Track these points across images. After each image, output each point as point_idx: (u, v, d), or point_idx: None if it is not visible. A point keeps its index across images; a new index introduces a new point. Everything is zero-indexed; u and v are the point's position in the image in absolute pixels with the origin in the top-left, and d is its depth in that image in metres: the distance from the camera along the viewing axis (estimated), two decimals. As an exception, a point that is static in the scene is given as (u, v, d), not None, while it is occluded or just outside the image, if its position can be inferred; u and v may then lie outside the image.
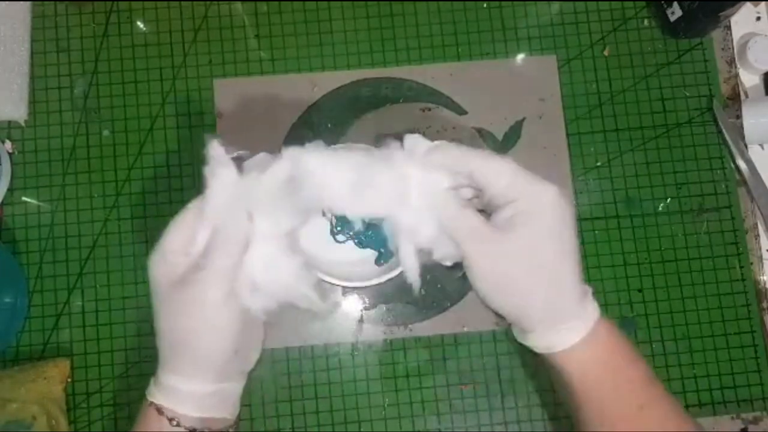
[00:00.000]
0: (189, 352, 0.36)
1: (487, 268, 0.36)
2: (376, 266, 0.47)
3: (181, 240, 0.37)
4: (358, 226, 0.41)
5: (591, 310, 0.37)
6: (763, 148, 0.56)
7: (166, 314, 0.36)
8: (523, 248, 0.35)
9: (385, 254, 0.47)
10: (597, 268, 0.54)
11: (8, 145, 0.55)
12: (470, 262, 0.36)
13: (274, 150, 0.37)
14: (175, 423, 0.36)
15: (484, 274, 0.36)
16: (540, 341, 0.37)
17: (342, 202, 0.37)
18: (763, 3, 0.58)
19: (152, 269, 0.36)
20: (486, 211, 0.38)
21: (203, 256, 0.36)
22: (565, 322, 0.36)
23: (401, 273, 0.39)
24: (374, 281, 0.45)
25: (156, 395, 0.37)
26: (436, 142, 0.37)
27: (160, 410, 0.36)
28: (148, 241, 0.54)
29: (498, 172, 0.37)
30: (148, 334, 0.53)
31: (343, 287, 0.52)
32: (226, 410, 0.38)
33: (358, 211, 0.37)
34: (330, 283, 0.46)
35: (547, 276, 0.36)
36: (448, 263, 0.38)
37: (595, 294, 0.38)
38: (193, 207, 0.38)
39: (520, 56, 0.57)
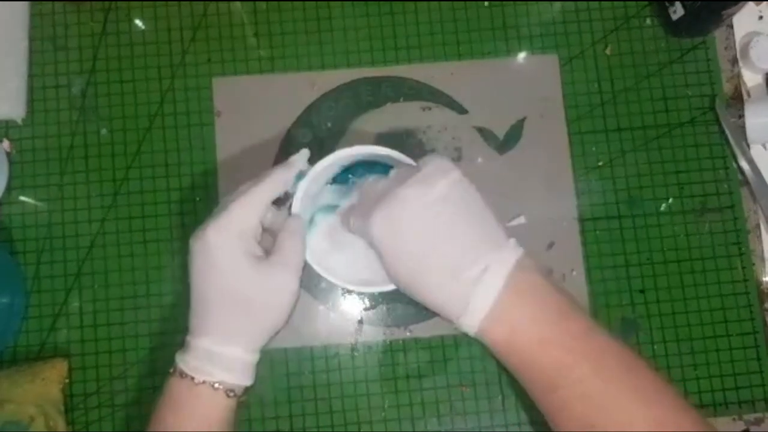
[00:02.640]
0: (249, 322, 0.40)
1: (390, 273, 0.40)
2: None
3: (254, 221, 0.41)
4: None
5: (488, 286, 0.37)
6: (765, 148, 0.56)
7: (234, 285, 0.40)
8: (389, 270, 0.39)
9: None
10: (599, 268, 0.54)
11: (6, 144, 0.54)
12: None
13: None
14: (218, 386, 0.39)
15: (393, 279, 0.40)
16: (459, 328, 0.38)
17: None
18: (765, 2, 0.58)
19: (224, 240, 0.40)
20: None
21: (279, 246, 0.42)
22: (464, 308, 0.37)
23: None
24: (382, 288, 0.44)
25: (192, 361, 0.40)
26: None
27: (194, 378, 0.39)
28: (146, 242, 0.53)
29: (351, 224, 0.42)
30: (146, 335, 0.52)
31: (347, 289, 0.52)
32: (251, 378, 0.42)
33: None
34: (337, 284, 0.45)
35: (417, 283, 0.38)
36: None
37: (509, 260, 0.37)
38: (257, 191, 0.42)
39: (522, 55, 0.57)
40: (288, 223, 0.43)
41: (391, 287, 0.42)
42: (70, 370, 0.52)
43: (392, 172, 0.42)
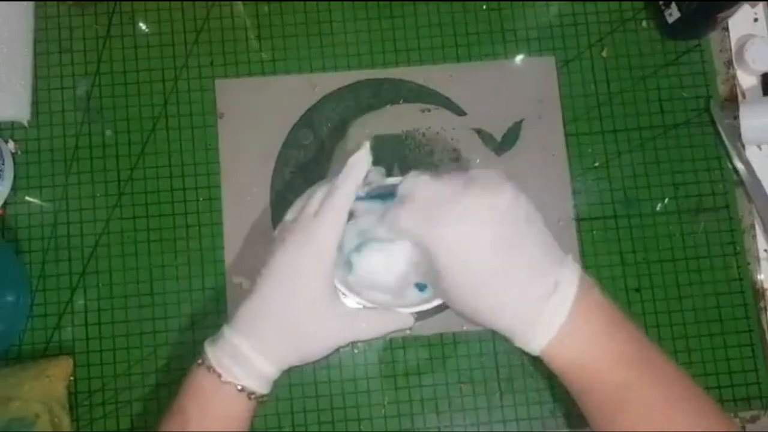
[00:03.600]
0: (294, 347, 0.40)
1: (451, 304, 0.39)
2: (415, 295, 0.44)
3: (336, 244, 0.40)
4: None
5: (551, 311, 0.36)
6: (760, 148, 0.57)
7: (303, 310, 0.39)
8: (453, 285, 0.37)
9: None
10: (595, 267, 0.54)
11: (11, 145, 0.55)
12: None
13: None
14: (242, 389, 0.39)
15: (454, 307, 0.39)
16: (522, 346, 0.37)
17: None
18: (760, 4, 0.58)
19: (316, 267, 0.39)
20: None
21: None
22: (525, 331, 0.36)
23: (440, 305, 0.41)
24: (416, 308, 0.42)
25: (223, 359, 0.39)
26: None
27: (221, 375, 0.39)
28: (150, 241, 0.54)
29: (401, 229, 0.39)
30: (149, 333, 0.53)
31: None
32: (270, 389, 0.42)
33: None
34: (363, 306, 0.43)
35: (485, 298, 0.37)
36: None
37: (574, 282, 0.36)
38: (339, 210, 0.40)
39: (519, 57, 0.57)
40: (401, 316, 0.42)
41: (425, 307, 0.42)
42: (75, 367, 0.52)
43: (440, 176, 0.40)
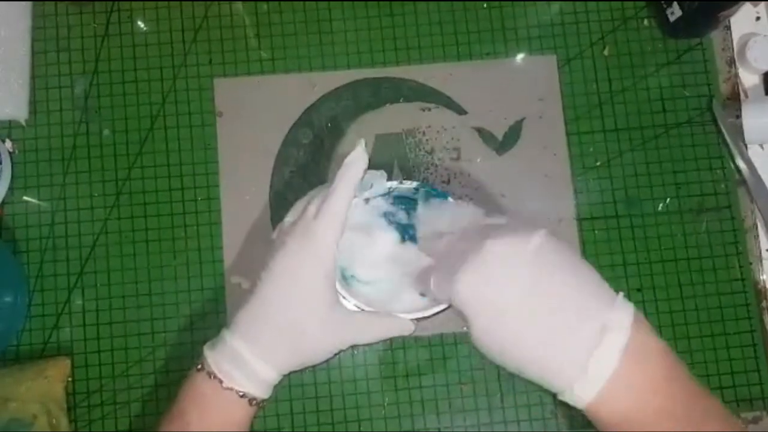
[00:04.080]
0: (295, 350, 0.40)
1: (484, 354, 0.36)
2: (419, 300, 0.44)
3: (336, 245, 0.40)
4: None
5: (598, 362, 0.32)
6: (762, 148, 0.56)
7: (303, 314, 0.39)
8: (483, 335, 0.35)
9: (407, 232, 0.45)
10: (596, 267, 0.53)
11: (9, 144, 0.55)
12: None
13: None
14: (243, 395, 0.39)
15: (487, 356, 0.36)
16: (565, 399, 0.34)
17: None
18: (762, 3, 0.58)
19: (316, 270, 0.39)
20: None
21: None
22: (569, 382, 0.33)
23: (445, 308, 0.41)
24: (416, 315, 0.42)
25: (224, 365, 0.39)
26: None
27: (222, 381, 0.39)
28: (148, 241, 0.54)
29: (432, 283, 0.38)
30: (148, 334, 0.53)
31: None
32: (271, 393, 0.41)
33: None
34: (361, 309, 0.43)
35: (520, 347, 0.34)
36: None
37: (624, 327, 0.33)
38: (339, 211, 0.40)
39: (520, 56, 0.57)
40: (401, 322, 0.42)
41: (429, 313, 0.41)
42: (73, 368, 0.52)
43: (466, 224, 0.39)
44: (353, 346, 0.42)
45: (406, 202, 0.45)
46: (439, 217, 0.42)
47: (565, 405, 0.35)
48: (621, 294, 0.35)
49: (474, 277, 0.34)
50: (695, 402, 0.34)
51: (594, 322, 0.33)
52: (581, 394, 0.33)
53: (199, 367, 0.40)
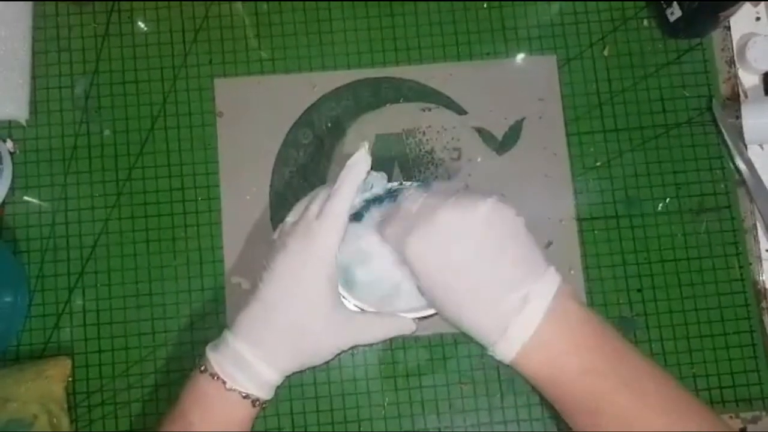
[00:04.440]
0: (297, 352, 0.40)
1: (425, 294, 0.40)
2: (415, 300, 0.44)
3: (337, 246, 0.40)
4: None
5: (521, 324, 0.36)
6: (762, 148, 0.56)
7: (305, 315, 0.39)
8: (427, 292, 0.39)
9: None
10: (596, 267, 0.54)
11: (9, 144, 0.55)
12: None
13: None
14: (246, 396, 0.39)
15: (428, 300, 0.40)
16: (492, 354, 0.38)
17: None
18: (762, 3, 0.58)
19: (319, 271, 0.40)
20: None
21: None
22: (496, 341, 0.37)
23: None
24: (416, 314, 0.43)
25: (227, 366, 0.39)
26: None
27: (225, 382, 0.39)
28: (148, 241, 0.54)
29: (386, 237, 0.41)
30: (148, 334, 0.53)
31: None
32: (273, 394, 0.41)
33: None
34: (362, 309, 0.43)
35: (456, 307, 0.38)
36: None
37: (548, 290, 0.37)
38: (340, 212, 0.41)
39: (520, 56, 0.57)
40: (404, 321, 0.42)
41: (423, 314, 0.42)
42: (74, 368, 0.52)
43: (434, 186, 0.41)
44: (354, 347, 0.42)
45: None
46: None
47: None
48: (553, 267, 0.38)
49: (422, 242, 0.37)
50: (623, 361, 0.37)
51: (519, 291, 0.36)
52: (503, 353, 0.37)
53: (202, 368, 0.40)
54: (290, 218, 0.42)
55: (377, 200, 0.44)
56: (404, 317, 0.42)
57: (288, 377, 0.41)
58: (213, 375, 0.39)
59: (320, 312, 0.39)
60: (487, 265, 0.37)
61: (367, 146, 0.41)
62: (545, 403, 0.52)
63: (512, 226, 0.38)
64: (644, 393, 0.36)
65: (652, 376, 0.37)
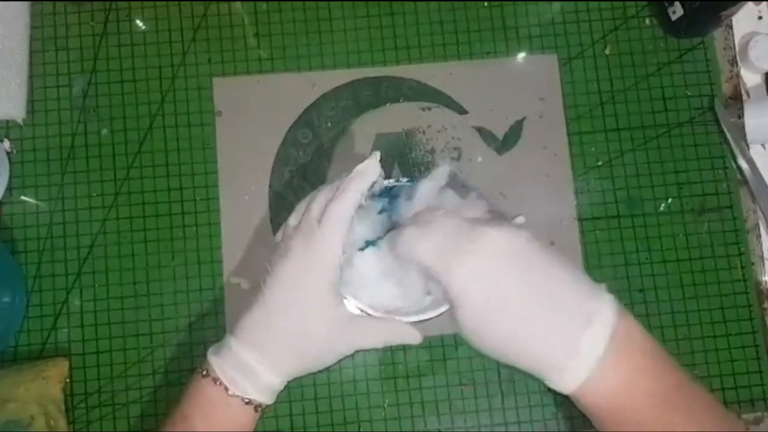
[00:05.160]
0: (300, 357, 0.39)
1: (470, 342, 0.36)
2: (419, 303, 0.43)
3: (340, 252, 0.39)
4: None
5: (587, 345, 0.34)
6: (764, 147, 0.56)
7: (309, 320, 0.39)
8: (474, 322, 0.35)
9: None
10: (598, 268, 0.54)
11: (7, 144, 0.55)
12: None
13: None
14: (248, 402, 0.39)
15: (473, 345, 0.37)
16: (554, 385, 0.35)
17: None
18: (764, 2, 0.58)
19: (322, 277, 0.39)
20: None
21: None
22: (559, 367, 0.34)
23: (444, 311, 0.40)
24: (415, 318, 0.42)
25: (230, 371, 0.39)
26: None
27: (227, 388, 0.39)
28: (146, 241, 0.54)
29: (417, 257, 0.37)
30: (146, 334, 0.53)
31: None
32: (274, 398, 0.41)
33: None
34: (369, 314, 0.42)
35: (514, 334, 0.35)
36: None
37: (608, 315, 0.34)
38: (344, 219, 0.39)
39: (521, 55, 0.57)
40: (408, 330, 0.41)
41: (429, 316, 0.41)
42: (71, 369, 0.52)
43: (421, 186, 0.40)
44: (357, 351, 0.41)
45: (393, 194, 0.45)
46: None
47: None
48: (603, 285, 0.36)
49: (471, 264, 0.35)
50: (682, 387, 0.35)
51: (581, 310, 0.34)
52: (571, 378, 0.34)
53: (204, 372, 0.40)
54: (292, 221, 0.42)
55: (375, 197, 0.44)
56: (409, 326, 0.41)
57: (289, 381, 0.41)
58: (215, 380, 0.39)
59: (323, 316, 0.39)
60: (542, 288, 0.34)
61: (378, 156, 0.41)
62: (545, 404, 0.52)
63: (550, 248, 0.36)
64: (702, 422, 0.35)
65: (706, 400, 0.36)
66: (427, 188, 0.42)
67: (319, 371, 0.41)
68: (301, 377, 0.41)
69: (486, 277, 0.35)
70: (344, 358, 0.41)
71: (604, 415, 0.35)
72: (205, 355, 0.40)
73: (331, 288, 0.39)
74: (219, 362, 0.39)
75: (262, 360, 0.39)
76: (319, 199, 0.41)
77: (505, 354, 0.36)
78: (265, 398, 0.40)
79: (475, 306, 0.35)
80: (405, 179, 0.44)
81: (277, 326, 0.39)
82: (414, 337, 0.41)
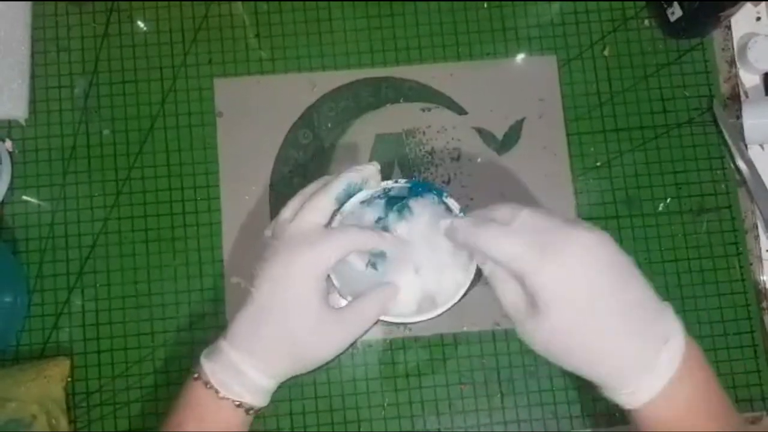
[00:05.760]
0: (292, 359, 0.39)
1: (540, 345, 0.35)
2: (420, 304, 0.44)
3: (336, 260, 0.39)
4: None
5: (667, 360, 0.34)
6: (763, 148, 0.56)
7: (300, 322, 0.38)
8: (563, 324, 0.34)
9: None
10: (597, 268, 0.54)
11: (8, 144, 0.55)
12: (525, 339, 0.36)
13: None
14: (239, 404, 0.39)
15: (540, 349, 0.35)
16: (617, 399, 0.35)
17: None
18: (763, 3, 0.58)
19: (309, 276, 0.38)
20: None
21: (358, 305, 0.40)
22: (636, 379, 0.34)
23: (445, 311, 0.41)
24: (416, 318, 0.42)
25: (221, 374, 0.39)
26: (448, 222, 0.39)
27: (218, 391, 0.38)
28: (147, 241, 0.54)
29: (503, 253, 0.35)
30: (147, 334, 0.53)
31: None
32: (268, 401, 0.41)
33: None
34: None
35: (600, 340, 0.34)
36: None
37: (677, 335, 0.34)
38: (323, 192, 0.40)
39: (521, 56, 0.57)
40: (382, 289, 0.41)
41: (429, 316, 0.41)
42: (73, 368, 0.52)
43: (521, 216, 0.36)
44: (353, 343, 0.41)
45: (396, 202, 0.45)
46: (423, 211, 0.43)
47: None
48: (669, 303, 0.36)
49: (563, 266, 0.33)
50: (732, 412, 0.36)
51: (659, 325, 0.34)
52: (644, 392, 0.34)
53: (196, 376, 0.40)
54: (284, 215, 0.41)
55: (371, 200, 0.44)
56: (384, 289, 0.41)
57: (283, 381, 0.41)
58: (206, 383, 0.39)
59: (310, 315, 0.38)
60: (627, 299, 0.34)
61: (378, 168, 0.42)
62: (545, 404, 0.52)
63: (632, 260, 0.36)
64: None
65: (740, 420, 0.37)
66: (428, 207, 0.43)
67: (317, 369, 0.41)
68: (299, 377, 0.41)
69: (578, 277, 0.33)
70: (343, 353, 0.40)
71: (664, 429, 0.35)
72: (198, 358, 0.41)
73: (320, 284, 0.39)
74: (210, 365, 0.39)
75: (251, 362, 0.39)
76: (306, 194, 0.41)
77: (579, 358, 0.35)
78: (257, 400, 0.39)
79: (565, 306, 0.33)
80: (403, 180, 0.44)
81: (265, 328, 0.39)
82: (393, 292, 0.41)
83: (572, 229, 0.34)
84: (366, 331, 0.40)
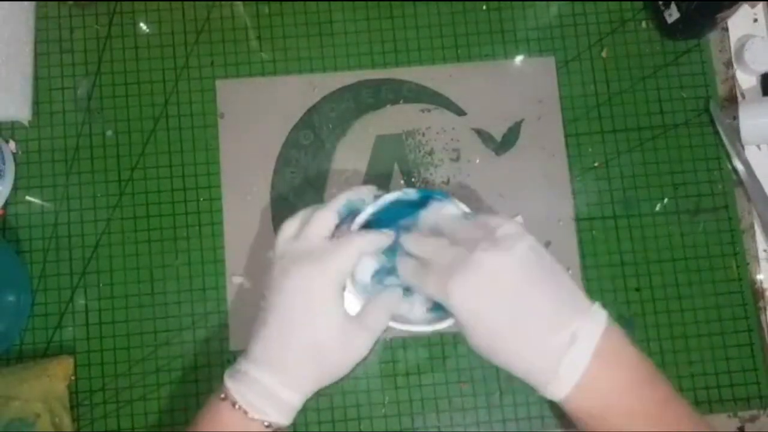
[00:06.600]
0: (318, 372, 0.40)
1: (471, 340, 0.39)
2: (426, 313, 0.45)
3: (350, 270, 0.41)
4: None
5: (572, 362, 0.36)
6: (759, 149, 0.57)
7: (322, 335, 0.40)
8: (475, 340, 0.38)
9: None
10: (595, 267, 0.54)
11: (12, 145, 0.55)
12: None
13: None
14: (269, 425, 0.39)
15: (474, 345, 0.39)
16: (545, 395, 0.38)
17: None
18: (760, 5, 0.58)
19: (328, 288, 0.40)
20: None
21: (370, 312, 0.42)
22: (549, 379, 0.36)
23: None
24: (422, 328, 0.43)
25: (250, 395, 0.39)
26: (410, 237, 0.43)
27: (247, 412, 0.38)
28: (150, 241, 0.54)
29: (424, 290, 0.40)
30: (150, 333, 0.53)
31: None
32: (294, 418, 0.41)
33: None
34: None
35: (505, 353, 0.38)
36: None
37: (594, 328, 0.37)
38: (325, 208, 0.43)
39: (519, 58, 0.57)
40: (386, 293, 0.43)
41: (434, 328, 0.43)
42: (76, 367, 0.52)
43: (457, 226, 0.41)
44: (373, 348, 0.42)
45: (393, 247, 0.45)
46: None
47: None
48: (596, 303, 0.38)
49: (460, 287, 0.37)
50: (667, 405, 0.37)
51: (567, 329, 0.36)
52: (554, 392, 0.37)
53: (222, 396, 0.39)
54: (287, 232, 0.43)
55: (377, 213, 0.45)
56: (391, 293, 0.43)
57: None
58: (234, 404, 0.39)
59: (335, 326, 0.39)
60: (528, 306, 0.37)
61: (375, 190, 0.44)
62: (543, 402, 0.52)
63: (549, 265, 0.38)
64: None
65: (690, 421, 0.37)
66: (431, 220, 0.44)
67: (341, 380, 0.41)
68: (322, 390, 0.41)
69: (473, 298, 0.37)
70: (365, 359, 0.41)
71: (587, 425, 0.37)
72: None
73: (339, 298, 0.40)
74: (236, 386, 0.39)
75: (281, 379, 0.39)
76: (306, 216, 0.43)
77: (503, 367, 0.38)
78: (285, 419, 0.40)
79: (472, 322, 0.38)
80: (411, 190, 0.45)
81: (291, 344, 0.39)
82: (385, 239, 0.43)
83: (474, 255, 0.37)
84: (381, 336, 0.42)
